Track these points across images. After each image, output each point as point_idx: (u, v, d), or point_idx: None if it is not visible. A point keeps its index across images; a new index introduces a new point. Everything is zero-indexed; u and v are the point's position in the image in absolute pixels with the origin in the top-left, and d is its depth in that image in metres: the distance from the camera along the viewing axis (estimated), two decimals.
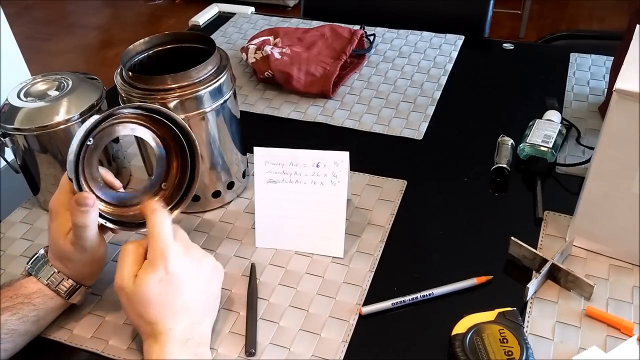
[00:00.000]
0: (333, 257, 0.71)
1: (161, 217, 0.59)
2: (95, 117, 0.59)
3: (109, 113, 0.60)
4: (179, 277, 0.57)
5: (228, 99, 0.72)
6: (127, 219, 0.65)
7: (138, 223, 0.64)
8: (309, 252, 0.72)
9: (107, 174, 0.65)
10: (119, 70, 0.71)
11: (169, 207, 0.67)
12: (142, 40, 0.74)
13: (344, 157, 0.70)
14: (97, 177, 0.62)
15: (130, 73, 0.69)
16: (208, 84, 0.69)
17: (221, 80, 0.70)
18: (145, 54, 0.75)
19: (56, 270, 0.62)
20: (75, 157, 0.59)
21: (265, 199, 0.72)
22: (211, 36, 0.98)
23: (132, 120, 0.64)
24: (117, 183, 0.66)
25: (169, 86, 0.67)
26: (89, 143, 0.60)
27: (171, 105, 0.67)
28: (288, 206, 0.72)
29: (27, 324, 0.60)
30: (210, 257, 0.62)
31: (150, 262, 0.57)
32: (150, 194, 0.67)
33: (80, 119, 0.73)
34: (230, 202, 0.80)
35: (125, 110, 0.62)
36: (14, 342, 0.60)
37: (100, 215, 0.62)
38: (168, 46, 0.76)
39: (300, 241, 0.72)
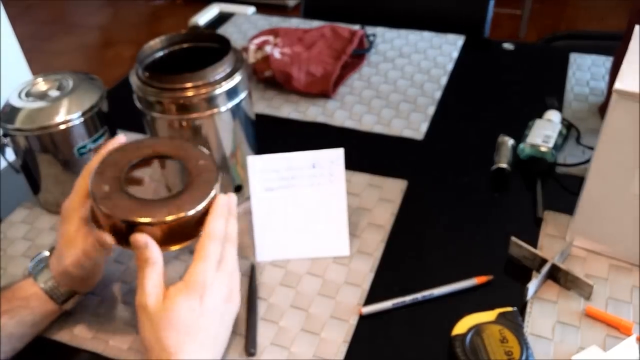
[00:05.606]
0: (338, 256, 0.71)
1: (215, 243, 0.55)
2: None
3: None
4: (211, 314, 0.54)
5: (243, 99, 0.72)
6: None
7: None
8: (314, 257, 0.71)
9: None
10: (135, 68, 0.71)
11: None
12: (158, 39, 0.74)
13: (338, 153, 0.69)
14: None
15: (146, 72, 0.68)
16: (224, 83, 0.68)
17: (236, 80, 0.69)
18: (162, 53, 0.74)
19: (54, 275, 0.61)
20: None
21: (263, 208, 0.71)
22: None
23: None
24: None
25: (185, 85, 0.67)
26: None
27: (186, 103, 0.68)
28: (288, 212, 0.71)
29: (23, 328, 0.60)
30: (237, 297, 0.59)
31: (186, 286, 0.53)
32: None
33: (81, 119, 0.73)
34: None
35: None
36: (12, 346, 0.60)
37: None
38: (184, 45, 0.75)
39: (304, 247, 0.71)
